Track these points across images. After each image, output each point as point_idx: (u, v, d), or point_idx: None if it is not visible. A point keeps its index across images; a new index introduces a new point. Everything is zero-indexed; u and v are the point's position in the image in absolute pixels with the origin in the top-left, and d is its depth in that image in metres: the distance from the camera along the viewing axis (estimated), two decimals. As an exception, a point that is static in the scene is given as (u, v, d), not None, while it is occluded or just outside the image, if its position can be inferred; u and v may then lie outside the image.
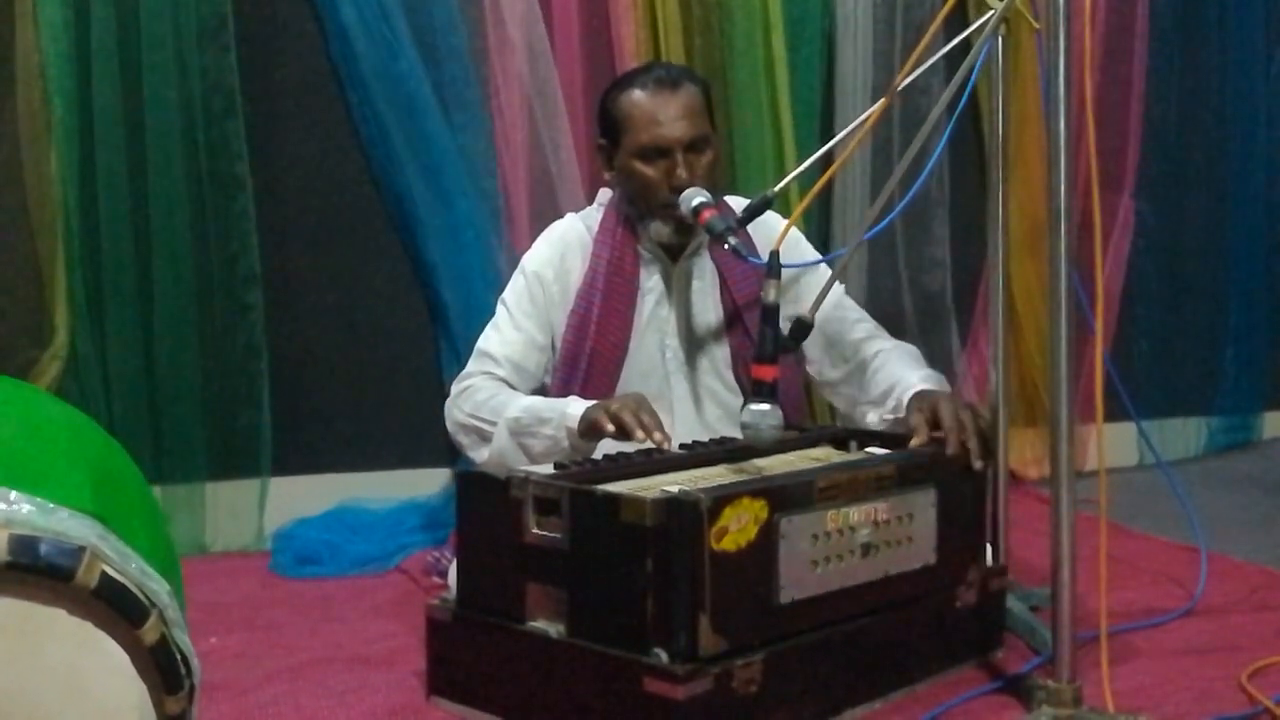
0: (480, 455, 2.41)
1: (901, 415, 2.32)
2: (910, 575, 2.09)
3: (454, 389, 2.49)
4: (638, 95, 2.43)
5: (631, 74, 2.55)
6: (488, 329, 2.56)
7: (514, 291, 2.56)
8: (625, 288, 2.50)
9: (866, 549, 2.01)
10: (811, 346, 2.50)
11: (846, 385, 2.54)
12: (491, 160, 3.28)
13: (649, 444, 2.15)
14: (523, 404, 2.36)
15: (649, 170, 2.43)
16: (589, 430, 2.23)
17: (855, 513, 1.99)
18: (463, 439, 2.45)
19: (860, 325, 2.55)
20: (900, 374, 2.41)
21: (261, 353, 3.15)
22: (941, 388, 2.39)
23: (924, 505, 2.11)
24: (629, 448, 2.21)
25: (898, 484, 2.07)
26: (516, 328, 2.52)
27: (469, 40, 3.25)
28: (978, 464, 2.17)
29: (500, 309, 2.56)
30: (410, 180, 3.21)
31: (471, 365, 2.52)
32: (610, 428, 2.19)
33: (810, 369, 2.59)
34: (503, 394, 2.42)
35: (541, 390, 2.55)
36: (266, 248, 3.18)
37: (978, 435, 2.18)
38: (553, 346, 2.53)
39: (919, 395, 2.30)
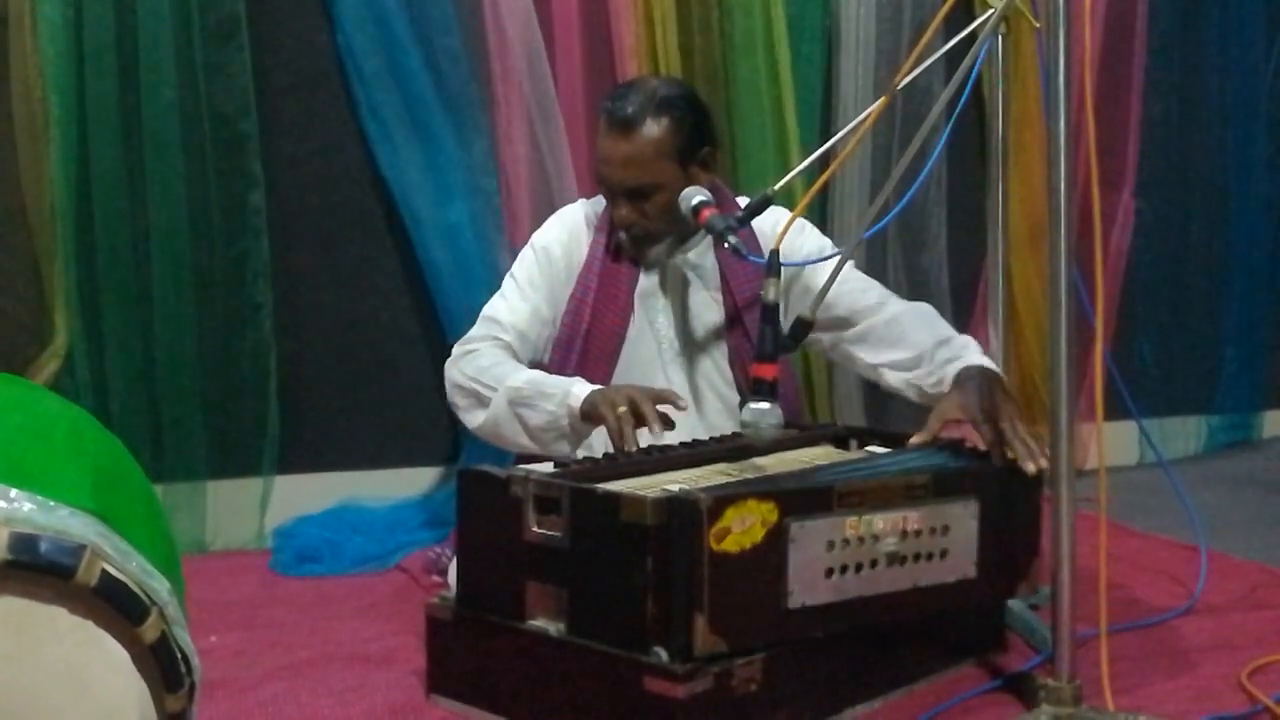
0: (475, 420, 2.40)
1: (942, 390, 2.25)
2: (945, 588, 2.05)
3: (456, 350, 2.49)
4: (601, 123, 2.44)
5: (615, 91, 2.53)
6: (494, 298, 2.56)
7: (522, 265, 2.57)
8: (620, 275, 2.51)
9: (892, 559, 1.97)
10: (823, 322, 2.46)
11: (859, 346, 2.47)
12: (492, 160, 3.28)
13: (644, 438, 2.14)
14: (526, 376, 2.36)
15: (603, 194, 2.49)
16: (592, 414, 2.23)
17: (880, 521, 1.94)
18: (460, 401, 2.44)
19: (868, 292, 2.49)
20: (926, 339, 2.33)
21: (269, 350, 3.15)
22: (986, 360, 2.30)
23: (964, 517, 2.06)
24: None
25: (933, 493, 2.01)
26: (524, 298, 2.53)
27: (469, 40, 3.25)
28: (1029, 467, 2.08)
29: (508, 281, 2.57)
30: (413, 179, 3.21)
31: (477, 330, 2.52)
32: (613, 422, 2.18)
33: (824, 338, 2.51)
34: (507, 363, 2.42)
35: (539, 367, 2.55)
36: (270, 246, 3.18)
37: (1021, 441, 2.10)
38: (555, 324, 2.54)
39: (960, 388, 2.19)
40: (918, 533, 2.00)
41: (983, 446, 2.17)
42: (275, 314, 3.18)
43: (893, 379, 2.40)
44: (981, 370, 2.25)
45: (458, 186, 3.24)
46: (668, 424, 2.19)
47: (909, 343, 2.38)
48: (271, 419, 3.16)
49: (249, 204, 3.12)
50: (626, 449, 2.14)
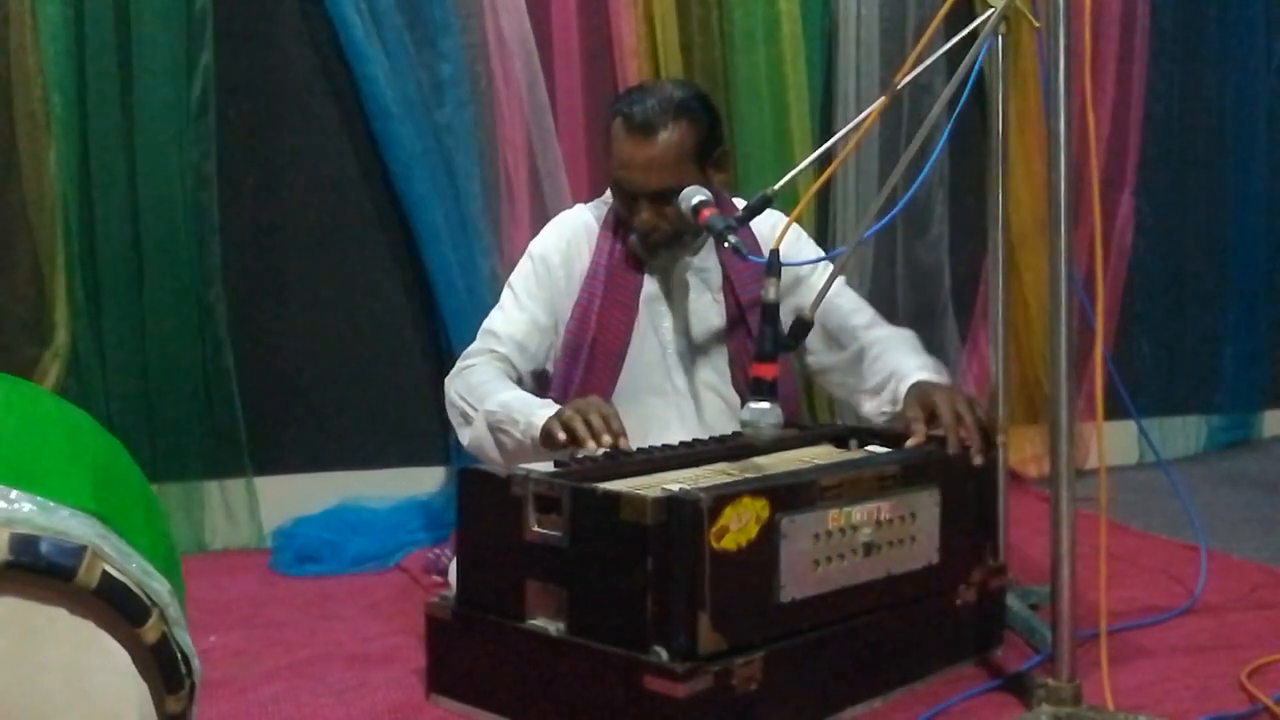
0: (464, 438, 2.42)
1: (899, 409, 2.31)
2: (913, 575, 2.09)
3: (457, 364, 2.51)
4: (617, 128, 2.43)
5: (627, 95, 2.52)
6: (494, 310, 2.58)
7: (520, 274, 2.58)
8: (627, 280, 2.51)
9: (869, 548, 2.01)
10: (811, 336, 2.49)
11: (843, 373, 2.54)
12: (489, 159, 3.28)
13: (603, 449, 2.12)
14: (502, 398, 2.35)
15: (620, 199, 2.48)
16: (547, 439, 2.20)
17: (857, 512, 1.99)
18: (453, 418, 2.45)
19: (858, 314, 2.55)
20: (897, 362, 2.40)
21: (226, 350, 3.13)
22: (939, 376, 2.37)
23: (927, 504, 2.11)
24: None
25: (900, 483, 2.06)
26: (521, 308, 2.54)
27: (467, 38, 3.25)
28: (978, 459, 2.16)
29: (506, 291, 2.58)
30: (407, 177, 3.20)
31: (476, 344, 2.53)
32: (562, 436, 2.15)
33: (809, 359, 2.59)
34: (493, 381, 2.42)
35: (543, 375, 2.56)
36: (266, 246, 3.18)
37: (978, 429, 2.17)
38: (556, 331, 2.54)
39: (916, 388, 2.28)
40: (890, 521, 2.04)
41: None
42: (273, 314, 3.18)
43: (870, 408, 2.44)
44: (933, 382, 2.31)
45: (455, 185, 3.23)
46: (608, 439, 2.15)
47: (881, 367, 2.43)
48: (239, 419, 3.14)
49: (204, 201, 3.10)
50: (588, 447, 2.11)
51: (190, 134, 3.07)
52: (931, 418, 2.20)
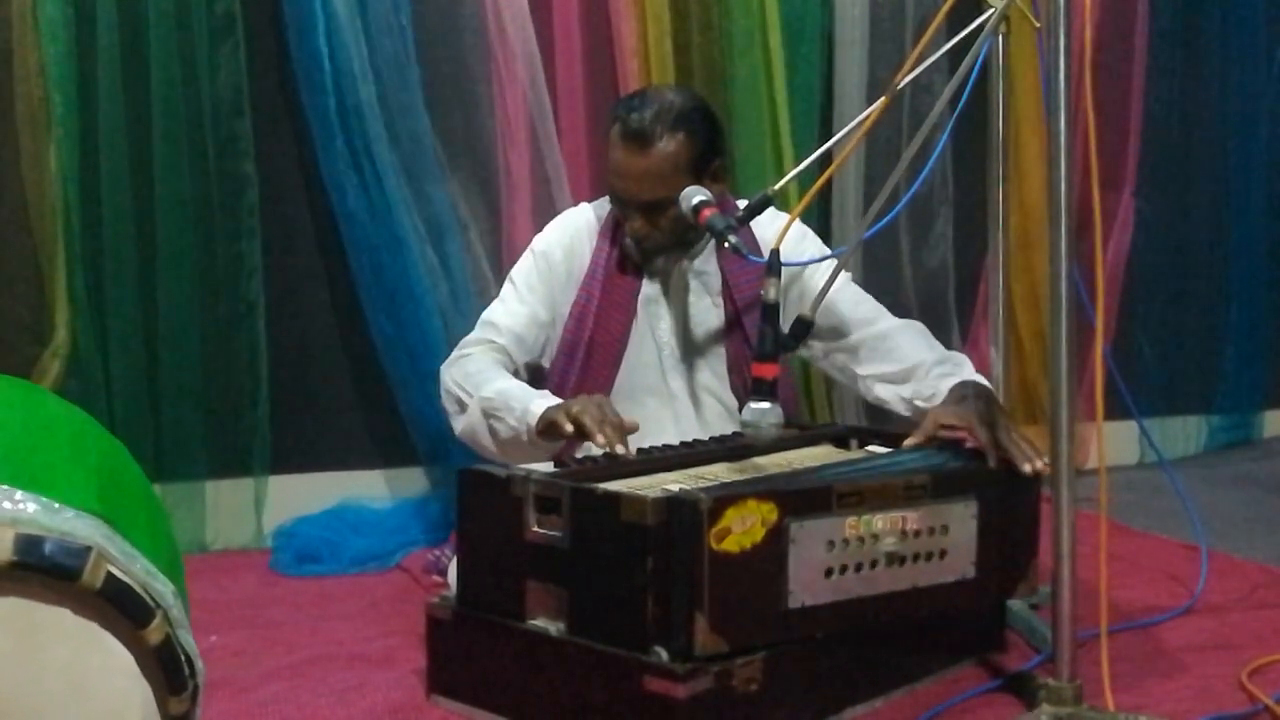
0: (457, 426, 2.41)
1: (935, 406, 2.25)
2: (944, 588, 2.04)
3: (454, 353, 2.50)
4: (615, 134, 2.41)
5: (628, 101, 2.49)
6: (494, 302, 2.58)
7: (522, 268, 2.58)
8: (624, 282, 2.51)
9: (892, 559, 1.97)
10: (817, 330, 2.47)
11: (846, 356, 2.48)
12: (493, 160, 3.28)
13: (608, 448, 2.11)
14: (498, 386, 2.34)
15: (615, 205, 2.48)
16: (547, 429, 2.20)
17: (879, 521, 1.95)
18: (447, 405, 2.44)
19: (862, 304, 2.50)
20: (920, 355, 2.35)
21: (262, 350, 3.15)
22: (967, 372, 2.31)
23: (963, 517, 2.06)
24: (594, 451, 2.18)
25: (931, 494, 2.01)
26: (521, 301, 2.54)
27: (470, 39, 3.25)
28: (1026, 467, 2.09)
29: (507, 285, 2.58)
30: (402, 179, 3.19)
31: (474, 334, 2.53)
32: (569, 428, 2.15)
33: (816, 346, 2.53)
34: (490, 370, 2.41)
35: (538, 370, 2.56)
36: (268, 246, 3.18)
37: (1016, 444, 2.11)
38: (554, 327, 2.54)
39: (958, 397, 2.21)
40: (917, 533, 2.00)
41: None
42: (274, 314, 3.18)
43: (882, 391, 2.40)
44: (977, 385, 2.26)
45: (459, 187, 3.24)
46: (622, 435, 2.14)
47: (900, 357, 2.38)
48: (262, 418, 3.15)
49: (244, 204, 3.12)
50: (598, 441, 2.10)
51: (211, 135, 3.08)
52: (949, 427, 2.17)
